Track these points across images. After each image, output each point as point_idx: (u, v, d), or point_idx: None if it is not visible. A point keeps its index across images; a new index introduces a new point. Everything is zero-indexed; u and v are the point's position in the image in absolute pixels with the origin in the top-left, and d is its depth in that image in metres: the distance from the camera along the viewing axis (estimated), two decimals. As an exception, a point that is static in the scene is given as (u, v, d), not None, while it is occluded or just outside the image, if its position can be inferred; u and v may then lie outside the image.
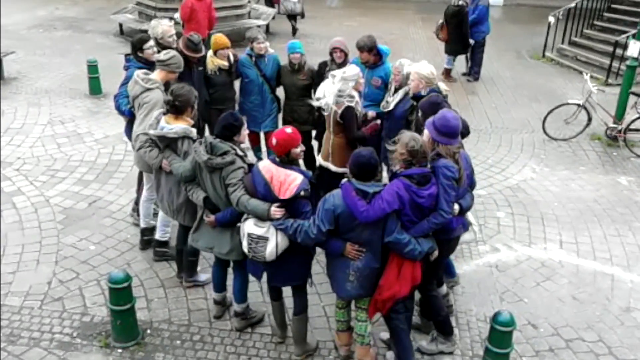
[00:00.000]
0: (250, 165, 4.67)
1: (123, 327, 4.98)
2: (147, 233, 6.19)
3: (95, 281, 5.78)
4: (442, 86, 5.84)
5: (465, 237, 5.09)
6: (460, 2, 11.27)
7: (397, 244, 4.26)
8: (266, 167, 4.45)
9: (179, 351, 5.00)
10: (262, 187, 4.40)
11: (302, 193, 4.34)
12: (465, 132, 5.33)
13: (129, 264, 6.03)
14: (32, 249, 6.22)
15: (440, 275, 5.17)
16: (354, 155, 4.32)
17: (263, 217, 4.39)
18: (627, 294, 5.88)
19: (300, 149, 4.51)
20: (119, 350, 4.97)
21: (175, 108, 5.03)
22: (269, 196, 4.38)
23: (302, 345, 4.96)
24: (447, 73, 11.95)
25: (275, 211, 4.35)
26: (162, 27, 6.45)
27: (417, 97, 5.59)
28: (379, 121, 6.12)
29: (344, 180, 4.38)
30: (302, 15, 14.91)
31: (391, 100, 6.07)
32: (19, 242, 6.32)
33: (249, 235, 4.44)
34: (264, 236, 4.38)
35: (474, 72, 12.05)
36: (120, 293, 4.82)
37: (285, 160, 4.46)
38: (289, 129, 4.52)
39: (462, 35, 11.52)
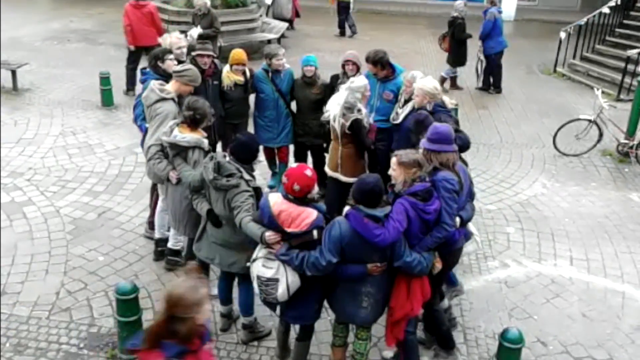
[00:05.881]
0: (256, 189, 4.60)
1: (130, 339, 4.96)
2: (162, 244, 6.17)
3: (103, 292, 5.79)
4: (447, 100, 5.86)
5: (469, 248, 5.09)
6: (455, 14, 11.81)
7: (407, 267, 4.23)
8: (277, 203, 4.24)
9: (185, 364, 4.99)
10: (267, 218, 4.28)
11: (315, 234, 4.15)
12: (465, 146, 5.33)
13: (137, 275, 6.04)
14: (41, 259, 6.25)
15: (441, 289, 5.15)
16: (358, 182, 4.17)
17: (258, 241, 4.27)
18: (639, 312, 5.81)
19: (316, 190, 4.33)
20: (125, 362, 4.96)
21: (195, 121, 5.08)
22: (272, 227, 4.24)
23: None
24: (453, 82, 12.26)
25: (270, 235, 4.20)
26: (171, 38, 6.56)
27: None
28: (372, 120, 6.07)
29: (347, 208, 4.24)
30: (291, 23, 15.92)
31: (400, 112, 6.09)
32: (29, 252, 6.34)
33: (258, 277, 4.31)
34: (274, 278, 4.24)
35: (494, 85, 12.23)
36: (128, 304, 4.81)
37: (303, 201, 4.26)
38: (308, 172, 4.27)
39: (458, 47, 11.84)
